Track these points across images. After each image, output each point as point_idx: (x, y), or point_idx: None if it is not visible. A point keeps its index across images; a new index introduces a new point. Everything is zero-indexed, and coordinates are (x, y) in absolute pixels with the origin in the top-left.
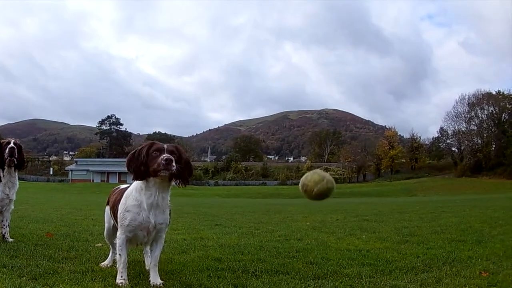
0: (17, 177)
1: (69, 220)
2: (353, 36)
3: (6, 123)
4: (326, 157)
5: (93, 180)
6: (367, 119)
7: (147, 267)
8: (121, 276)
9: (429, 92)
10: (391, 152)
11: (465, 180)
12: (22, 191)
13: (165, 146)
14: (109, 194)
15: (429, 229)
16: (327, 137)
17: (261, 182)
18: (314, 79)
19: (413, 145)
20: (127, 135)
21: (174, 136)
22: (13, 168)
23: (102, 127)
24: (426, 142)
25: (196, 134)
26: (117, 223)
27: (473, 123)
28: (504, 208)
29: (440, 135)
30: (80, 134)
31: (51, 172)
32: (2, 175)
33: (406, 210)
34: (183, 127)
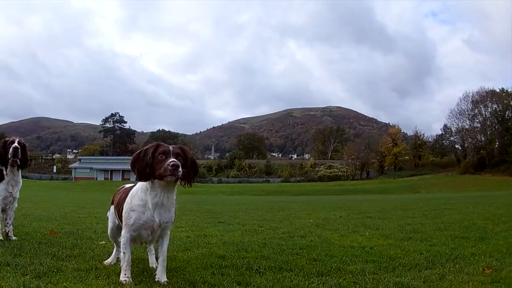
0: (20, 175)
1: (73, 218)
2: (357, 33)
3: (9, 121)
4: (329, 154)
5: (96, 178)
6: (371, 116)
7: (150, 265)
8: (125, 274)
9: (433, 89)
10: (395, 149)
11: (468, 177)
12: (25, 189)
13: (170, 148)
14: (114, 193)
15: (432, 226)
16: (331, 135)
17: (264, 179)
18: (318, 77)
19: (417, 142)
20: (130, 133)
21: (177, 133)
22: (16, 167)
23: (106, 125)
24: (430, 139)
25: (200, 131)
26: (122, 222)
27: (477, 120)
28: (507, 205)
29: (443, 133)
30: (84, 132)
31: (54, 170)
32: (5, 174)
33: (409, 207)
34: (187, 125)
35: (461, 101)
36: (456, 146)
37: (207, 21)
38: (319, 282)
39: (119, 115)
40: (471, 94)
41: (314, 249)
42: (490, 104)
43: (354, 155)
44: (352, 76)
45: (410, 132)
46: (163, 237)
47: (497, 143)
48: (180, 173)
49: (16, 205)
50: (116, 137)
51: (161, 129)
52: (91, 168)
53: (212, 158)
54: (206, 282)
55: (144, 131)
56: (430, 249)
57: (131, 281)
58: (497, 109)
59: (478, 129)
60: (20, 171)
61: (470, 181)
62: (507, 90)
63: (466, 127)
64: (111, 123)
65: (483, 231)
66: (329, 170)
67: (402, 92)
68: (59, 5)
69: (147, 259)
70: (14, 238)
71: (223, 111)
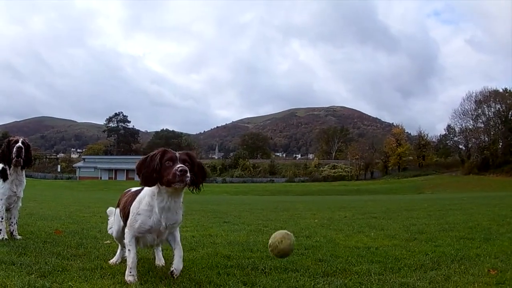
0: (24, 175)
1: (78, 217)
2: (360, 33)
3: (13, 120)
4: (333, 154)
5: (100, 178)
6: (375, 116)
7: (157, 263)
8: (130, 272)
9: (436, 89)
10: (399, 149)
11: (472, 177)
12: (30, 188)
13: (177, 154)
14: (120, 196)
15: (437, 227)
16: (335, 134)
17: (268, 179)
18: (322, 76)
19: (421, 143)
20: (134, 133)
21: (181, 133)
22: (20, 167)
23: (110, 125)
24: (434, 139)
25: (204, 131)
26: (126, 224)
27: (480, 120)
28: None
29: (447, 133)
30: (88, 131)
31: (58, 170)
32: (9, 173)
33: (414, 207)
34: (190, 125)
35: (464, 101)
36: (460, 147)
37: (211, 21)
38: (325, 282)
39: (123, 115)
40: (474, 94)
41: (320, 250)
42: (494, 104)
43: (358, 155)
44: (355, 76)
45: (414, 132)
46: (174, 233)
47: (501, 144)
48: (188, 179)
49: (20, 204)
50: (120, 136)
51: (165, 128)
52: (95, 168)
53: (216, 158)
54: (211, 282)
55: (148, 131)
56: (435, 249)
57: (137, 280)
58: (501, 109)
59: (482, 129)
60: (24, 171)
61: (474, 182)
62: (510, 90)
63: (470, 127)
64: (115, 122)
65: (488, 232)
66: (333, 170)
67: (405, 92)
68: (62, 5)
69: (153, 258)
70: (19, 237)
71: (227, 110)
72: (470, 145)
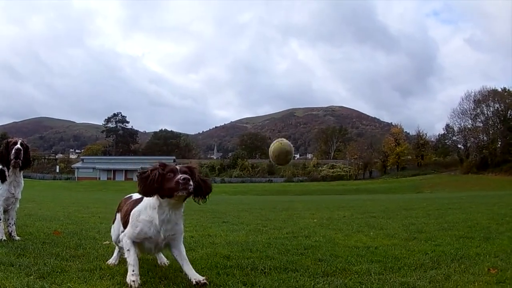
0: (21, 176)
1: (76, 218)
2: (359, 33)
3: (12, 121)
4: (332, 154)
5: (99, 178)
6: (373, 116)
7: (159, 261)
8: (133, 271)
9: (435, 89)
10: (397, 149)
11: (471, 177)
12: (28, 189)
13: (178, 167)
14: (121, 201)
15: (436, 226)
16: (333, 134)
17: (267, 179)
18: (320, 76)
19: (419, 142)
20: (133, 133)
21: (180, 133)
22: (18, 168)
23: (108, 125)
24: (432, 139)
25: (203, 131)
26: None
27: (479, 120)
28: (511, 205)
29: (446, 132)
30: (86, 132)
31: (57, 170)
32: (7, 175)
33: (413, 206)
34: (189, 125)
35: (463, 100)
36: (459, 146)
37: (209, 20)
38: (324, 282)
39: (121, 115)
40: (473, 94)
41: (319, 249)
42: (492, 103)
43: (356, 154)
44: (354, 76)
45: (412, 132)
46: (177, 246)
47: (500, 143)
48: (191, 187)
49: (17, 206)
50: (118, 137)
51: (163, 129)
52: (94, 168)
53: (214, 158)
54: (211, 283)
55: (147, 131)
56: (435, 249)
57: (139, 281)
58: (499, 109)
59: (481, 128)
60: (21, 172)
61: (473, 181)
62: (509, 90)
63: (469, 126)
64: (114, 123)
65: (487, 231)
66: (332, 170)
67: (404, 92)
68: (61, 5)
69: (152, 259)
70: (17, 238)
71: (225, 110)
72: (469, 145)
